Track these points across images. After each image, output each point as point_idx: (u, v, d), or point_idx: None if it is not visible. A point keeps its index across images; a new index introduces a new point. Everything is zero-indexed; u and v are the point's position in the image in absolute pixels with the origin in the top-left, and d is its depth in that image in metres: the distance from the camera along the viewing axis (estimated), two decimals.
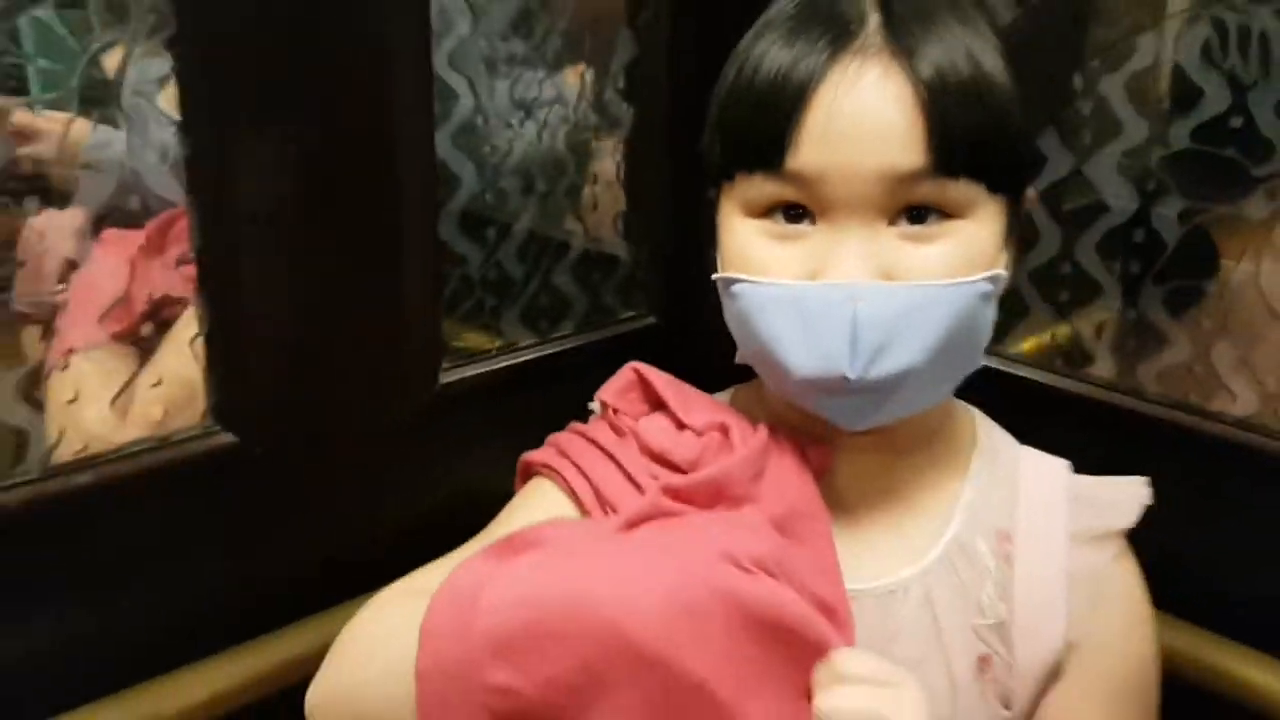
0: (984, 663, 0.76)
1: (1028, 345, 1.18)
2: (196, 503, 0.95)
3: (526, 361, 1.16)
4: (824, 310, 0.68)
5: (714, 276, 0.76)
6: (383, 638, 0.70)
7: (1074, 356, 1.15)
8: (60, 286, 0.90)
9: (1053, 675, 0.77)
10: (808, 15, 0.71)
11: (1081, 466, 0.85)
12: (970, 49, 0.69)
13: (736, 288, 0.73)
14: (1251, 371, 1.03)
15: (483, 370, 1.12)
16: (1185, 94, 1.02)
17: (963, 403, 0.86)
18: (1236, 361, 1.04)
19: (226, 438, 0.96)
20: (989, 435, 0.85)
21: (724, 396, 0.88)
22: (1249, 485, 1.01)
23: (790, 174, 0.69)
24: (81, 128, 0.86)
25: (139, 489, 0.91)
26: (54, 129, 0.85)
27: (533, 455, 0.86)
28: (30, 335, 0.89)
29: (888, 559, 0.78)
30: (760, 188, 0.71)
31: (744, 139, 0.71)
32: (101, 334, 0.90)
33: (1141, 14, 1.04)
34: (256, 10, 0.88)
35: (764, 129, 0.69)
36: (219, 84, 0.88)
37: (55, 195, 0.86)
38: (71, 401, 0.89)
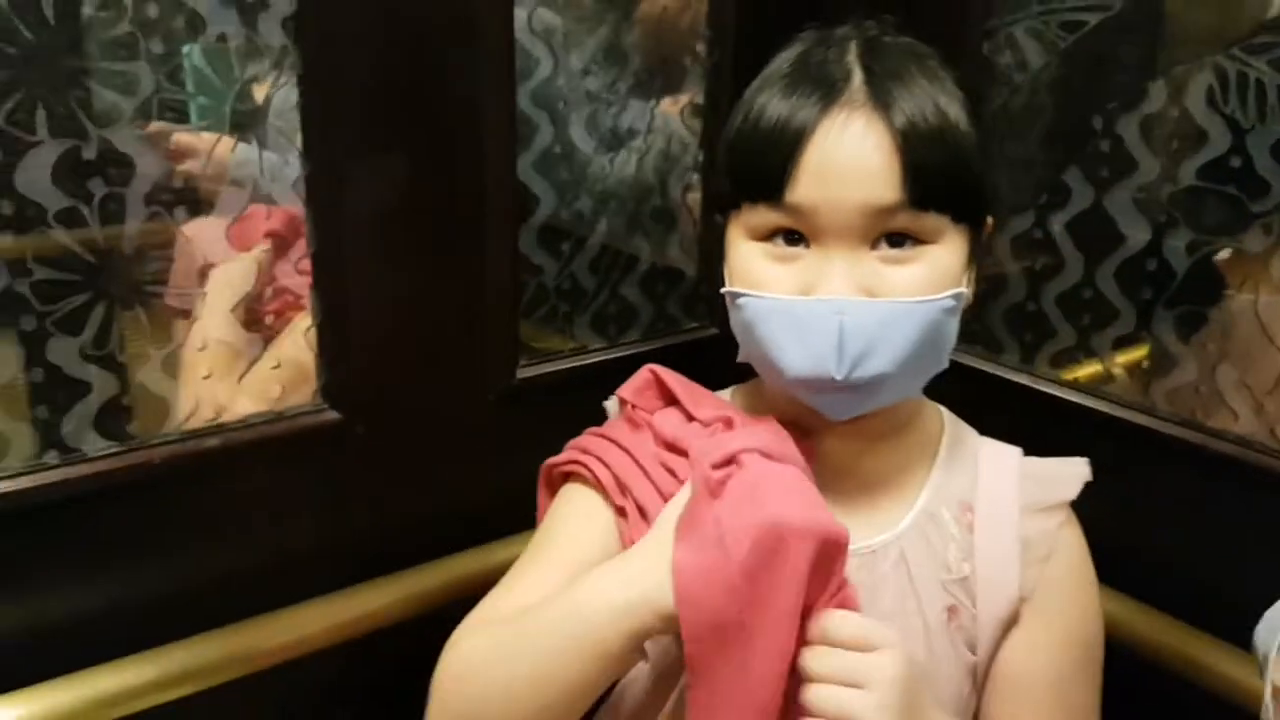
0: (952, 612, 0.90)
1: (1082, 374, 1.28)
2: (304, 469, 1.12)
3: (595, 363, 1.31)
4: (814, 321, 0.82)
5: (722, 290, 0.91)
6: (491, 663, 0.83)
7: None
8: (202, 284, 1.07)
9: (1010, 624, 0.90)
10: (801, 73, 0.85)
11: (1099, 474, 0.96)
12: (937, 101, 0.83)
13: (741, 300, 0.87)
14: (1249, 392, 1.12)
15: (555, 368, 1.28)
16: (1191, 135, 1.12)
17: (931, 401, 1.00)
18: (1237, 383, 1.13)
19: (332, 415, 1.12)
20: (954, 427, 0.99)
21: (725, 394, 1.02)
22: (1244, 495, 1.10)
23: (789, 205, 0.83)
24: (226, 145, 1.04)
25: (257, 454, 1.09)
26: (205, 147, 1.03)
27: (555, 460, 1.00)
28: (177, 324, 1.07)
29: (867, 526, 0.91)
30: (763, 216, 0.85)
31: (750, 175, 0.86)
32: (234, 321, 1.07)
33: (1154, 61, 1.15)
34: (368, 55, 1.05)
35: (767, 167, 0.83)
36: (334, 114, 1.05)
37: (202, 205, 1.03)
38: (206, 378, 1.06)
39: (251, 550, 1.10)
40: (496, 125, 1.15)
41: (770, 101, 0.85)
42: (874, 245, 0.84)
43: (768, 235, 0.86)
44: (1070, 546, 0.94)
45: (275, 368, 1.11)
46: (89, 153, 0.95)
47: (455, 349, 1.19)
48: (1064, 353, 1.26)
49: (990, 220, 0.91)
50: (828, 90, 0.83)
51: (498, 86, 1.14)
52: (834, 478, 0.91)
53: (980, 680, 0.92)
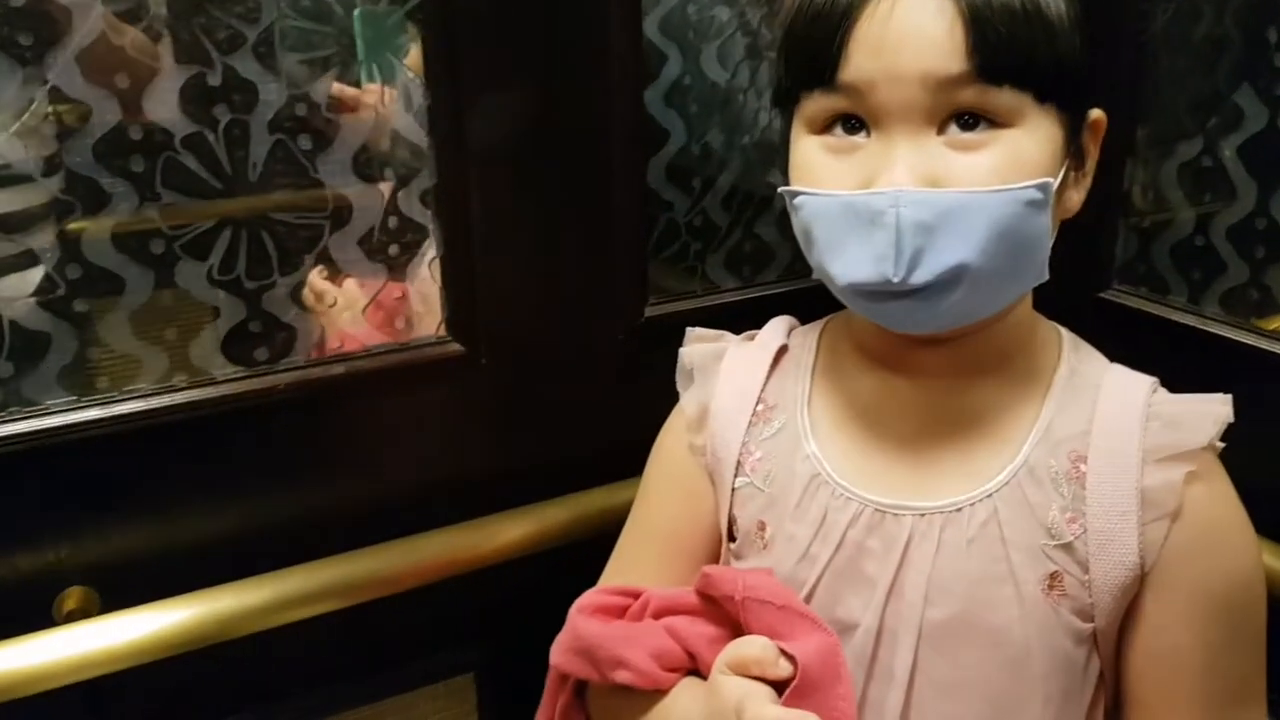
0: (1054, 579, 0.78)
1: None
2: (428, 401, 1.13)
3: (728, 303, 1.27)
4: (871, 216, 0.73)
5: (779, 190, 0.83)
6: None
7: None
8: None
9: (1131, 591, 0.78)
10: None
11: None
12: None
13: (799, 200, 0.79)
14: None
15: (686, 308, 1.24)
16: None
17: (1051, 323, 0.88)
18: None
19: (456, 348, 1.12)
20: (1075, 355, 0.86)
21: (818, 326, 0.94)
22: None
23: (843, 85, 0.75)
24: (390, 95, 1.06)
25: (381, 385, 1.10)
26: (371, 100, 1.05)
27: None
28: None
29: (956, 481, 0.81)
30: (819, 103, 0.77)
31: (801, 59, 0.78)
32: (359, 253, 1.08)
33: None
34: None
35: (817, 47, 0.75)
36: (454, 45, 1.04)
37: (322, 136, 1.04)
38: (333, 306, 1.07)
39: (377, 479, 1.12)
40: (622, 55, 1.12)
41: None
42: (941, 129, 0.74)
43: (826, 126, 0.78)
44: (1205, 501, 0.78)
45: (400, 298, 1.11)
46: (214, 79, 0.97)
47: (582, 285, 1.17)
48: (1235, 290, 1.16)
49: (1098, 113, 0.81)
50: None
51: (624, 13, 1.12)
52: (925, 422, 0.83)
53: (1107, 652, 0.81)
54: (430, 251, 1.11)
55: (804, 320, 0.98)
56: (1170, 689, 0.80)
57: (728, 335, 0.96)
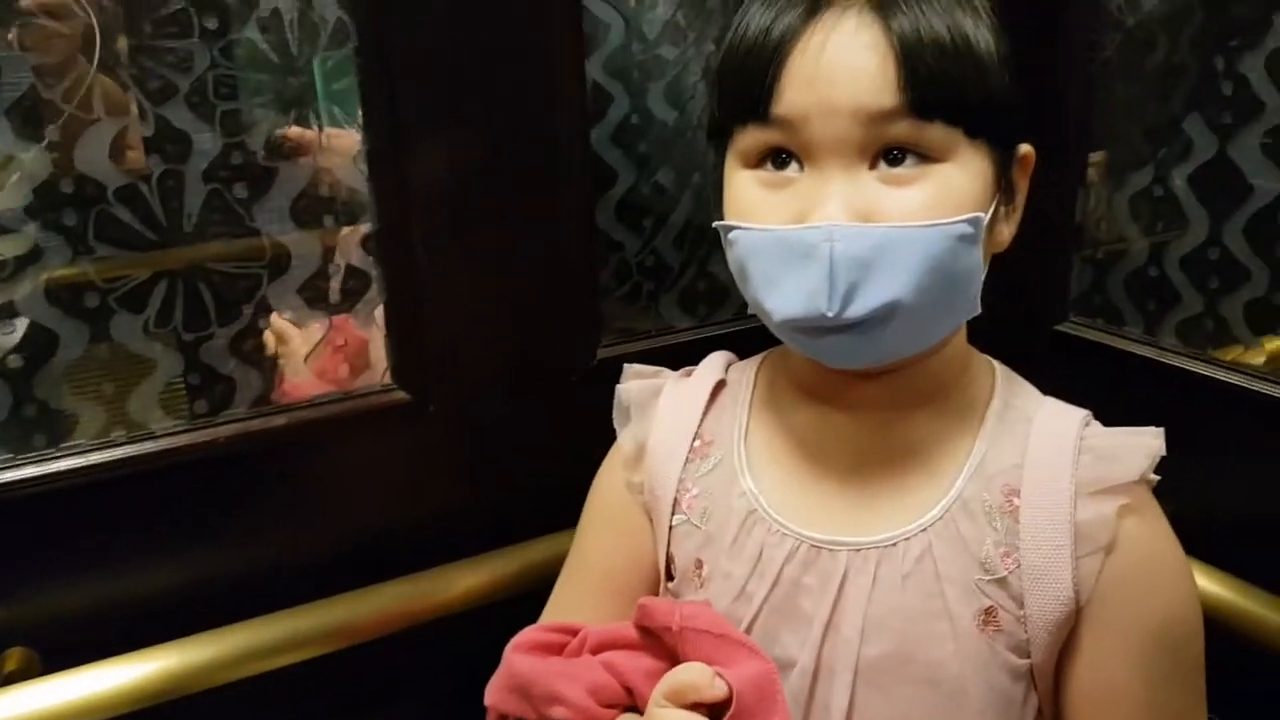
0: (988, 615, 0.77)
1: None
2: (374, 449, 1.11)
3: (683, 343, 1.25)
4: (805, 251, 0.72)
5: (714, 224, 0.82)
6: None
7: None
8: None
9: (1066, 627, 0.77)
10: None
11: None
12: (949, 11, 0.73)
13: (733, 234, 0.78)
14: None
15: (640, 348, 1.23)
16: None
17: (984, 356, 0.87)
18: None
19: (402, 395, 1.11)
20: (1008, 388, 0.85)
21: (755, 361, 0.93)
22: None
23: (776, 119, 0.74)
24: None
25: (324, 435, 1.08)
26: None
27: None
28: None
29: (891, 515, 0.80)
30: (752, 137, 0.76)
31: (734, 93, 0.77)
32: (299, 301, 1.06)
33: None
34: (429, 26, 1.03)
35: (750, 81, 0.75)
36: (393, 87, 1.03)
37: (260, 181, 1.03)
38: (273, 355, 1.06)
39: (324, 532, 1.10)
40: (567, 95, 1.12)
41: (755, 14, 0.76)
42: (873, 164, 0.74)
43: (759, 160, 0.77)
44: (1139, 535, 0.77)
45: (342, 346, 1.10)
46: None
47: (532, 328, 1.16)
48: (1191, 321, 1.15)
49: (1027, 148, 0.80)
50: None
51: (567, 53, 1.11)
52: (860, 456, 0.82)
53: (1045, 687, 0.79)
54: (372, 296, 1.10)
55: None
56: None
57: (665, 372, 0.95)
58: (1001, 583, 0.77)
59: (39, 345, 0.96)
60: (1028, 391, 0.86)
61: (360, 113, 1.03)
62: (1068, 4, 1.19)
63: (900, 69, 0.71)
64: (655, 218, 1.25)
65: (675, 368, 0.97)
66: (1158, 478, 0.78)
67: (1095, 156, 1.23)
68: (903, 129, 0.72)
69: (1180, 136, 1.13)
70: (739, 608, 0.82)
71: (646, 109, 1.22)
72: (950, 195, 0.73)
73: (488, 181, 1.09)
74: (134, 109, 0.96)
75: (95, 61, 0.93)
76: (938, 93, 0.72)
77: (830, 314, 0.72)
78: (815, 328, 0.74)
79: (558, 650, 0.85)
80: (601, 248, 1.22)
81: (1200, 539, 1.07)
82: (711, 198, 0.84)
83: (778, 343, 0.85)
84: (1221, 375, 1.09)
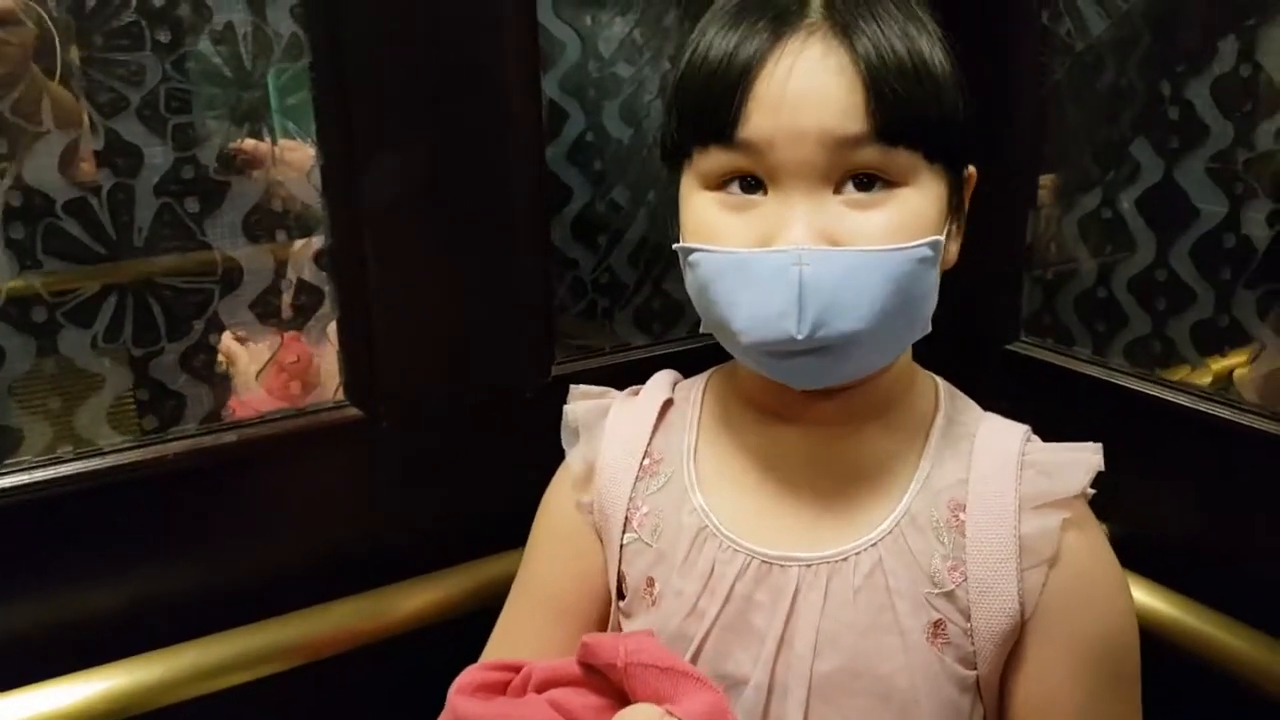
0: (937, 628, 0.78)
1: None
2: (326, 468, 1.10)
3: (637, 360, 1.25)
4: (771, 275, 0.72)
5: (674, 246, 0.82)
6: None
7: None
8: None
9: (1011, 639, 0.78)
10: (752, 3, 0.76)
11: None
12: (906, 31, 0.74)
13: (694, 257, 0.78)
14: None
15: (596, 365, 1.23)
16: (1268, 96, 1.03)
17: (927, 373, 0.88)
18: None
19: (355, 412, 1.10)
20: (951, 404, 0.86)
21: (702, 379, 0.93)
22: None
23: (741, 143, 0.74)
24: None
25: (276, 452, 1.07)
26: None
27: None
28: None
29: (841, 530, 0.81)
30: (716, 160, 0.76)
31: (696, 115, 0.77)
32: (251, 317, 1.06)
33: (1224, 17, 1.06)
34: (384, 41, 1.03)
35: (715, 103, 0.75)
36: (345, 104, 1.03)
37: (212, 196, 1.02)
38: (222, 372, 1.05)
39: (275, 549, 1.09)
40: (523, 112, 1.11)
41: (718, 34, 0.76)
42: (838, 189, 0.74)
43: (721, 183, 0.77)
44: (1080, 549, 0.79)
45: (294, 362, 1.09)
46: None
47: (485, 345, 1.15)
48: (1139, 342, 1.17)
49: (972, 170, 0.81)
50: (781, 16, 0.74)
51: (524, 70, 1.11)
52: (811, 472, 0.83)
53: (990, 699, 0.81)
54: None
55: None
56: None
57: (612, 392, 0.95)
58: (949, 596, 0.78)
59: None
60: (969, 407, 0.87)
61: (314, 127, 1.02)
62: (1017, 28, 1.21)
63: (868, 94, 0.72)
64: (610, 235, 1.26)
65: (630, 385, 0.97)
66: (1094, 492, 0.80)
67: (1045, 179, 1.25)
68: (869, 154, 0.73)
69: (1128, 160, 1.14)
70: (690, 625, 0.82)
71: (602, 126, 1.22)
72: (912, 219, 0.74)
73: (442, 198, 1.09)
74: (85, 121, 0.95)
75: (47, 72, 0.92)
76: (903, 117, 0.73)
77: (800, 336, 0.72)
78: (784, 351, 0.74)
79: (501, 689, 0.84)
80: (556, 265, 1.22)
81: (1147, 556, 1.10)
82: (667, 218, 0.84)
83: (726, 360, 0.85)
84: (1169, 395, 1.10)
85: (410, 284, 1.09)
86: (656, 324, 1.30)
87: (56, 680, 0.96)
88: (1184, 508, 1.11)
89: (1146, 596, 1.06)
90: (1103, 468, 0.80)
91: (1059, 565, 0.78)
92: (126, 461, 0.99)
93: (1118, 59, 1.15)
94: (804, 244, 0.72)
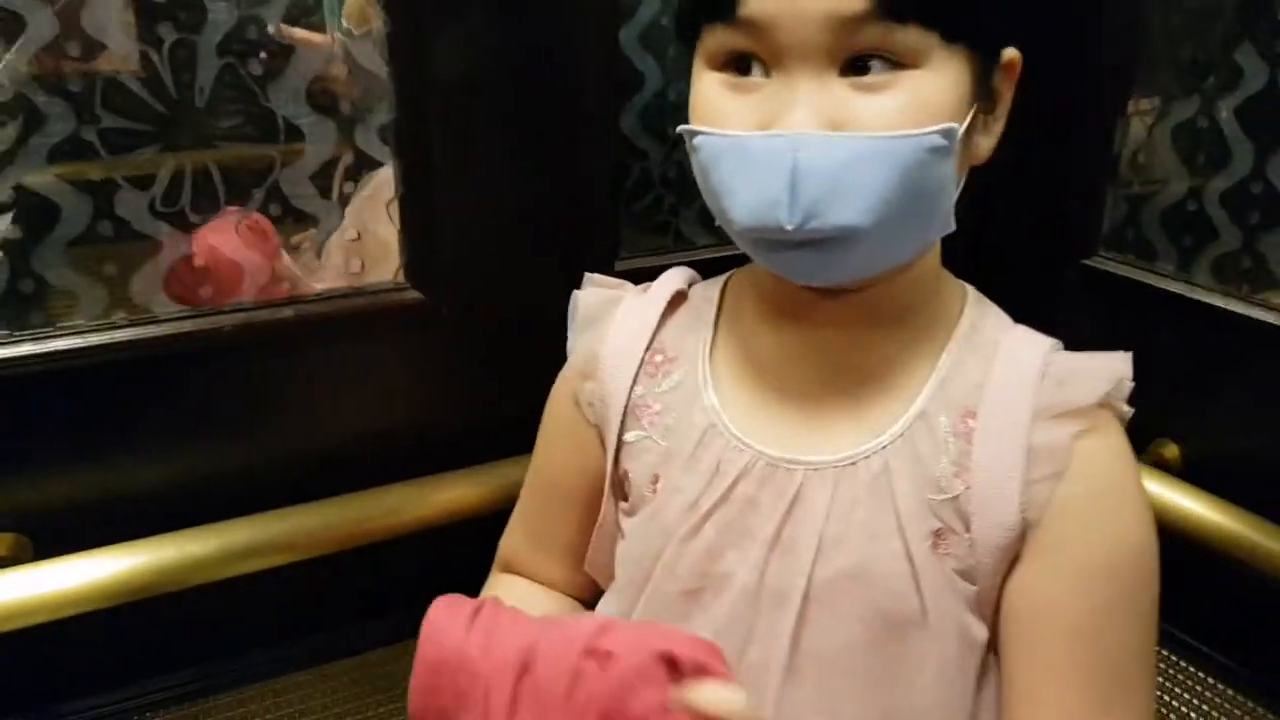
0: (938, 536, 0.75)
1: None
2: (384, 350, 1.07)
3: (703, 261, 1.21)
4: (767, 160, 0.68)
5: (678, 129, 0.77)
6: None
7: None
8: None
9: (1011, 553, 0.75)
10: None
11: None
12: None
13: (697, 140, 0.74)
14: None
15: (658, 263, 1.19)
16: None
17: (958, 281, 0.83)
18: None
19: (414, 295, 1.07)
20: (977, 311, 0.82)
21: (723, 278, 0.90)
22: None
23: (743, 20, 0.70)
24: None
25: (333, 330, 1.04)
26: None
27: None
28: None
29: (849, 433, 0.78)
30: (718, 38, 0.72)
31: None
32: (312, 189, 1.02)
33: None
34: None
35: None
36: None
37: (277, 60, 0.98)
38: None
39: (326, 431, 1.07)
40: None
41: None
42: (844, 71, 0.69)
43: (725, 63, 0.73)
44: (1093, 461, 0.74)
45: (355, 240, 1.06)
46: None
47: (549, 234, 1.12)
48: (1227, 257, 1.12)
49: (1013, 54, 0.75)
50: None
51: None
52: (823, 375, 0.79)
53: (990, 616, 0.77)
54: (387, 190, 1.06)
55: None
56: (1047, 657, 0.75)
57: (627, 285, 0.91)
58: (953, 503, 0.75)
59: (39, 217, 0.92)
60: (999, 317, 0.82)
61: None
62: None
63: None
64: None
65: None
66: (1128, 408, 0.75)
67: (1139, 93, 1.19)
68: (874, 33, 0.68)
69: (1229, 66, 1.09)
70: (686, 520, 0.79)
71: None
72: (923, 104, 0.69)
73: (510, 77, 1.05)
74: None
75: None
76: None
77: (789, 226, 0.67)
78: (779, 241, 0.70)
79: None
80: (625, 155, 1.17)
81: (1227, 478, 1.06)
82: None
83: None
84: (1258, 314, 1.06)
85: (476, 164, 1.06)
86: None
87: (105, 549, 0.95)
88: (1270, 430, 1.07)
89: (1225, 519, 1.02)
90: (1130, 377, 0.75)
91: (1068, 479, 0.73)
92: (181, 330, 0.97)
93: None
94: (804, 129, 0.67)
